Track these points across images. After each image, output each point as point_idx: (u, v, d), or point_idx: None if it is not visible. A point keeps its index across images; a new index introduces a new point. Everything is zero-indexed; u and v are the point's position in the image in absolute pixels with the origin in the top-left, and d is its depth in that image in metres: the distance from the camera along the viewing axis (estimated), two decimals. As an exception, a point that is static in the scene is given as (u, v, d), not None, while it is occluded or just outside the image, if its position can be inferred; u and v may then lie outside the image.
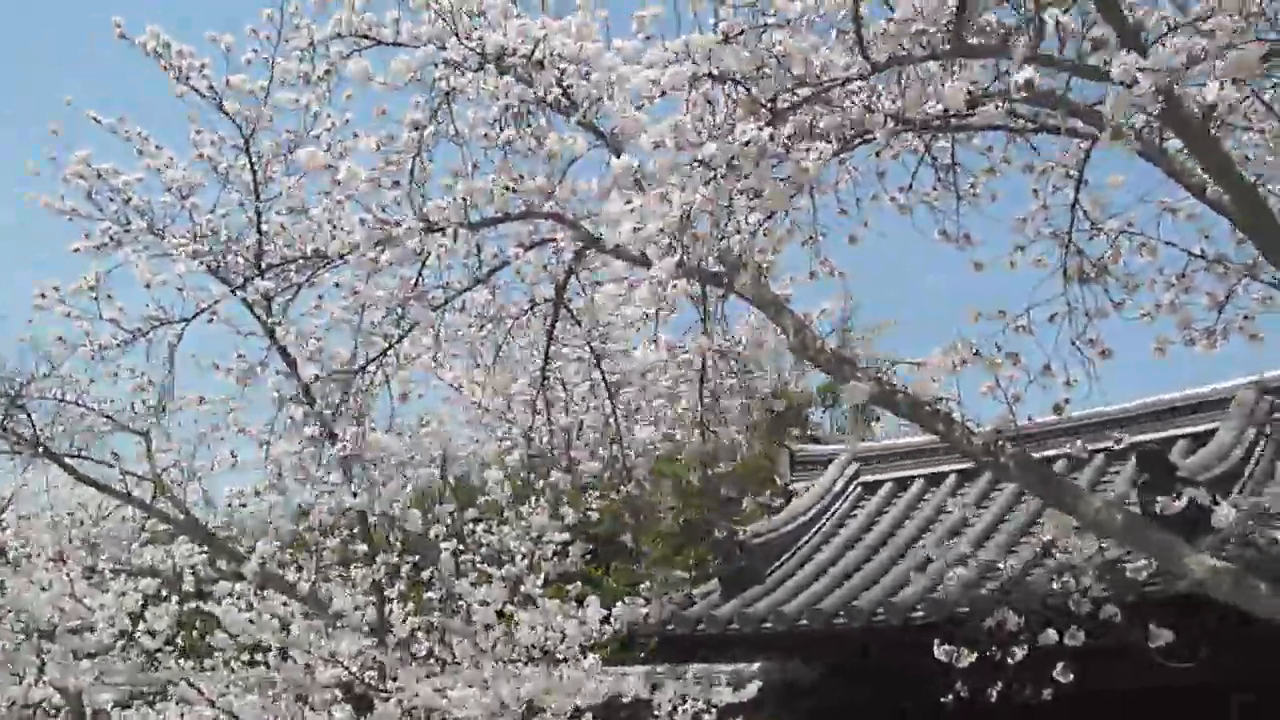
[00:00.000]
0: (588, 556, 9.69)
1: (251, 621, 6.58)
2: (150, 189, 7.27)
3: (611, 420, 7.30)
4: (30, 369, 7.98)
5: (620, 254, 5.83)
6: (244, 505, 8.98)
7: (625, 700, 7.55)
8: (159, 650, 7.11)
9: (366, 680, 6.63)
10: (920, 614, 9.07)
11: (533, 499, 8.90)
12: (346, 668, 6.42)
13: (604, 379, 7.09)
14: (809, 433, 15.20)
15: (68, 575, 6.77)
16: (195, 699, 7.50)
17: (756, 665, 9.45)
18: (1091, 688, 7.00)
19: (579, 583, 9.87)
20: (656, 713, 7.79)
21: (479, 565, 8.45)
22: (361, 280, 6.50)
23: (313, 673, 7.27)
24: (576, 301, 6.90)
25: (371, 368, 6.31)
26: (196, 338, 7.04)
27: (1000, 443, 4.73)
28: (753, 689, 8.40)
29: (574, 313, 6.90)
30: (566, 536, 9.03)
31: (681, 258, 4.63)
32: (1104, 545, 7.30)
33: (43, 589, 6.92)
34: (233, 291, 7.31)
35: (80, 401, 8.80)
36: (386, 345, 6.20)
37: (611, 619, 7.77)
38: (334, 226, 6.11)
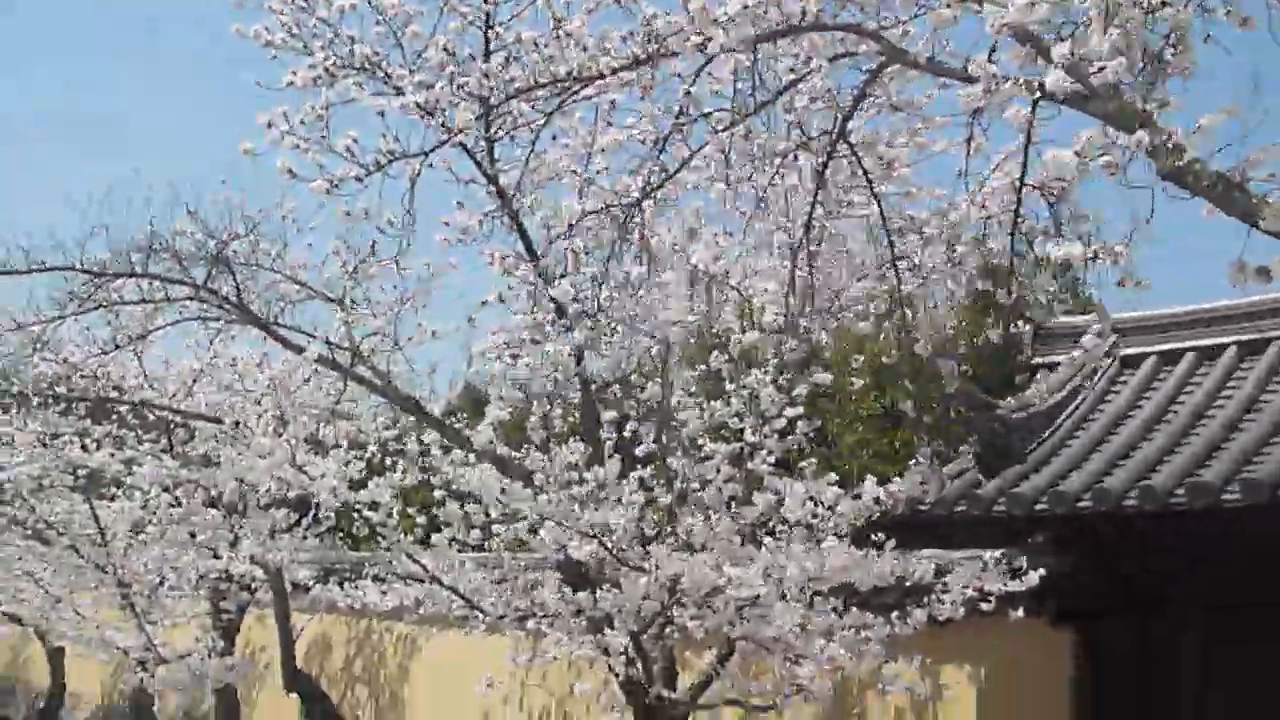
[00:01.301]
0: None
1: (504, 490, 5.73)
2: (363, 18, 6.28)
3: (890, 273, 6.18)
4: (230, 228, 7.25)
5: (934, 68, 4.74)
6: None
7: (908, 584, 6.57)
8: (381, 525, 6.36)
9: (620, 555, 5.76)
10: (1236, 496, 7.78)
11: (760, 369, 7.96)
12: (604, 543, 5.55)
13: (886, 227, 5.93)
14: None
15: (289, 442, 6.03)
16: (405, 573, 6.78)
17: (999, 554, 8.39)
18: None
19: (810, 461, 8.81)
20: (942, 598, 6.77)
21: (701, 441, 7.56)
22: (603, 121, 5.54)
23: (564, 549, 6.48)
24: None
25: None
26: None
27: None
28: (1034, 578, 7.30)
29: (855, 148, 5.73)
30: (799, 411, 8.02)
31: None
32: None
33: (260, 457, 6.22)
34: (455, 133, 6.35)
35: (274, 267, 8.13)
36: (662, 177, 5.15)
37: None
38: (584, 48, 5.05)
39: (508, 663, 11.32)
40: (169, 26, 53.59)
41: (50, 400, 9.94)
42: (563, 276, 7.08)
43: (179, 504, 11.34)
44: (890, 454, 13.46)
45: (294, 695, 11.77)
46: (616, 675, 7.58)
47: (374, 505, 6.26)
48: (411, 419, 7.81)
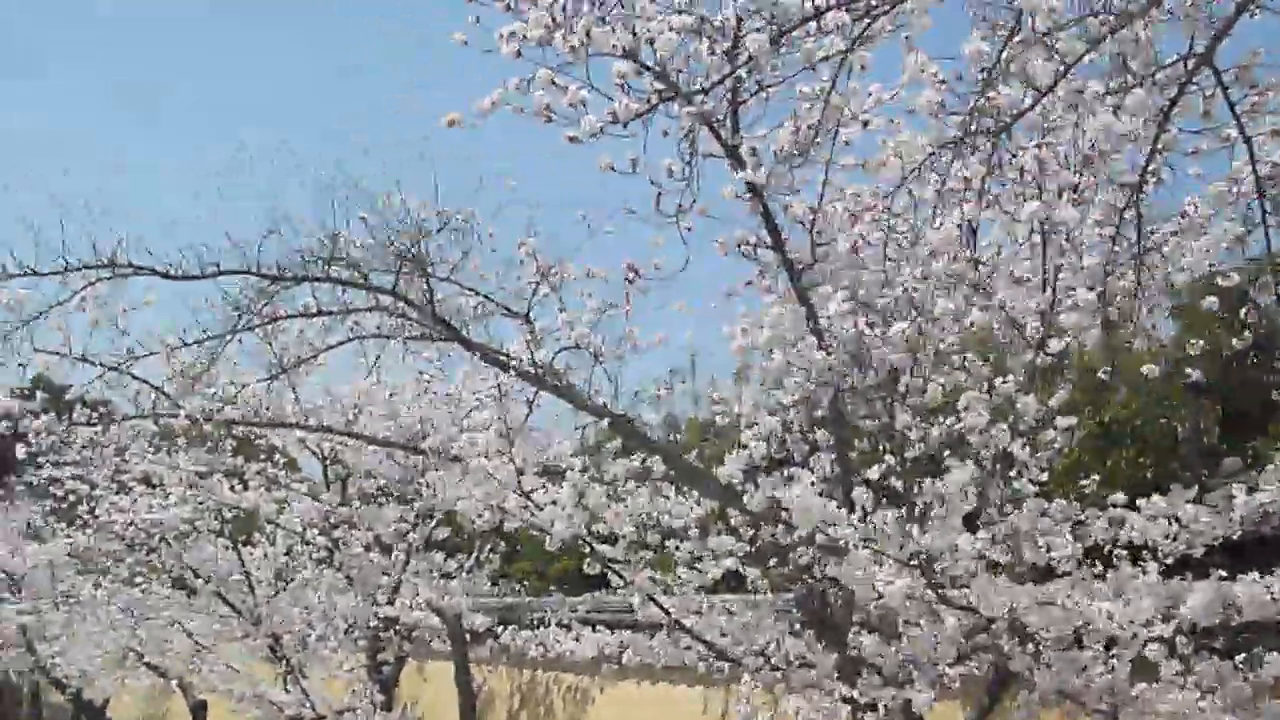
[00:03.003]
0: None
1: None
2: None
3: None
4: (419, 223, 6.30)
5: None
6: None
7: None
8: (615, 561, 5.29)
9: (942, 592, 4.60)
10: None
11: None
12: (928, 575, 4.38)
13: (1260, 186, 4.71)
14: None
15: (518, 467, 5.02)
16: (645, 618, 5.70)
17: None
18: None
19: (1089, 475, 7.54)
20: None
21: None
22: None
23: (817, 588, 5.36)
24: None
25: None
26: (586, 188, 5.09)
27: None
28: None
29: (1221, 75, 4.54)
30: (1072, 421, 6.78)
31: None
32: None
33: (476, 484, 5.24)
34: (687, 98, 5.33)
35: (451, 277, 7.19)
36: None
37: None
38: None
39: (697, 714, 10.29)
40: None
41: (212, 435, 9.19)
42: (812, 264, 6.03)
43: (336, 546, 10.49)
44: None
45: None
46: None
47: (611, 538, 5.20)
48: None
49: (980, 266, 5.59)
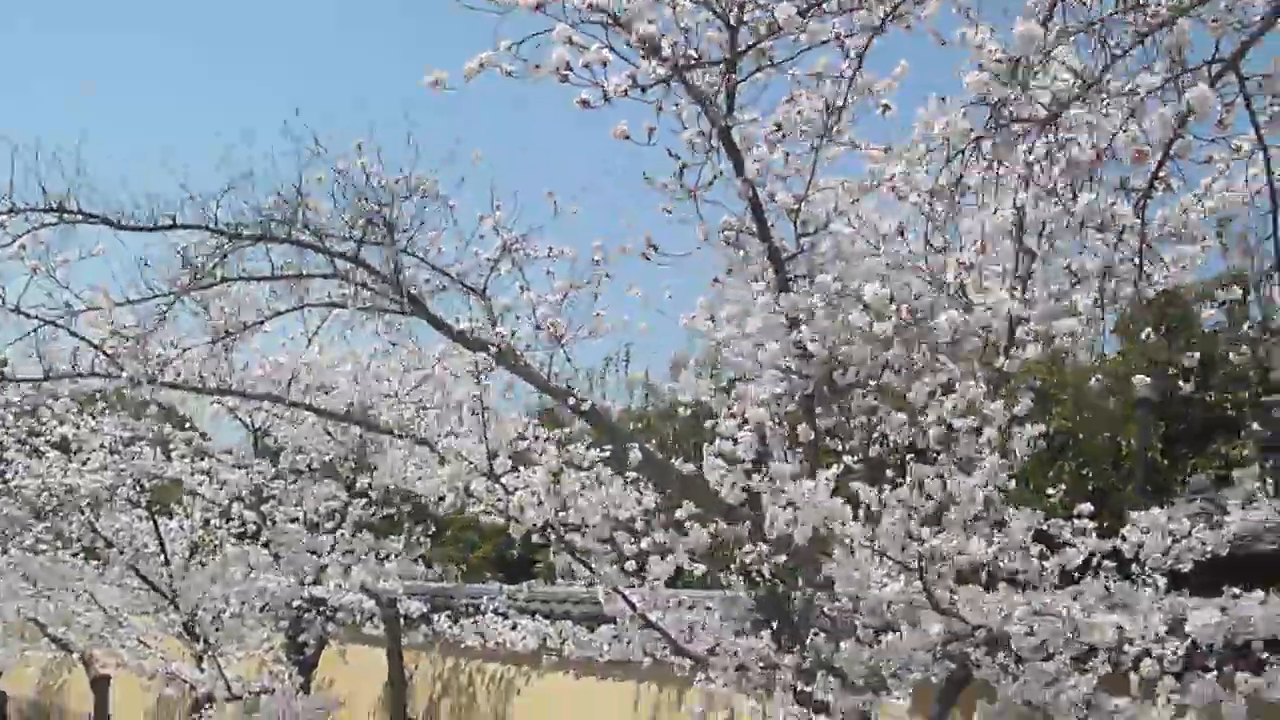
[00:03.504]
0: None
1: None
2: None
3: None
4: (386, 189, 6.00)
5: None
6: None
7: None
8: (587, 551, 5.06)
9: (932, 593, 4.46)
10: None
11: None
12: (926, 578, 4.22)
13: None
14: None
15: (490, 450, 4.77)
16: (612, 611, 5.48)
17: None
18: None
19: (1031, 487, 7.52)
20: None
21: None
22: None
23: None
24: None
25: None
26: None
27: None
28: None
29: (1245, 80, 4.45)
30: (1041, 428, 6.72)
31: None
32: None
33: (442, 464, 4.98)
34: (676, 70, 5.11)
35: (410, 250, 6.91)
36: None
37: None
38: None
39: (629, 711, 10.09)
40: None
41: (135, 401, 8.76)
42: (798, 253, 5.87)
43: (264, 521, 10.10)
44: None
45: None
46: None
47: (581, 527, 4.98)
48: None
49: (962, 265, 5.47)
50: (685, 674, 6.79)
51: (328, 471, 9.82)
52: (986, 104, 3.18)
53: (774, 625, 6.43)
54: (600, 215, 8.17)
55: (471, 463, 4.90)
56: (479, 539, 16.66)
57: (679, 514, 6.31)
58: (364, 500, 10.03)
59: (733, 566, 6.41)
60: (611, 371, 17.93)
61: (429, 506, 13.11)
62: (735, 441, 4.91)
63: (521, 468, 5.01)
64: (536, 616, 8.33)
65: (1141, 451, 9.95)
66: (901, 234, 4.74)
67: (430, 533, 11.13)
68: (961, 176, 3.41)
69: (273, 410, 9.08)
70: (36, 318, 5.83)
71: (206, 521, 13.65)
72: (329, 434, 8.98)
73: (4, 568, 13.71)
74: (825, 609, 6.29)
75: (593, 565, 5.03)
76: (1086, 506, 5.69)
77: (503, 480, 4.95)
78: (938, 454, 5.62)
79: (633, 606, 5.28)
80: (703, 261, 6.11)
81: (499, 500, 4.88)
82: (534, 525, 4.89)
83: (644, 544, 6.23)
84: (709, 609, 6.04)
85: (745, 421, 4.88)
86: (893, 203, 5.56)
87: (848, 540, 4.08)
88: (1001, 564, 4.49)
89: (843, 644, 5.10)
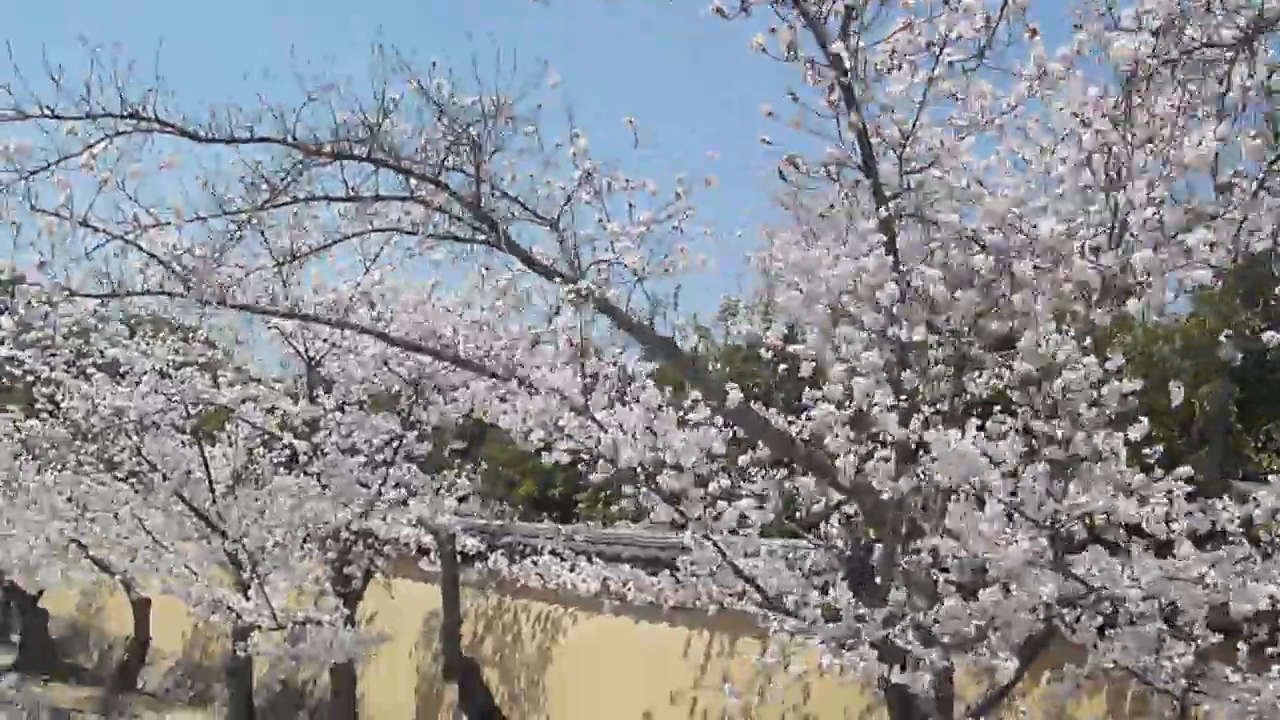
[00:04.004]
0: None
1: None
2: None
3: None
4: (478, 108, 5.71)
5: None
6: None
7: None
8: (682, 494, 4.83)
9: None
10: None
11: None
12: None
13: None
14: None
15: (586, 385, 4.53)
16: (700, 558, 5.26)
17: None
18: None
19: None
20: None
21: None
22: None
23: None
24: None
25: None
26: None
27: None
28: None
29: None
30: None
31: None
32: None
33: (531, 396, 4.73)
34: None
35: (484, 177, 6.61)
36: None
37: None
38: None
39: (685, 659, 9.95)
40: None
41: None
42: (904, 191, 5.56)
43: (316, 452, 9.92)
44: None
45: (451, 681, 10.36)
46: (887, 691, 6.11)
47: (677, 468, 4.73)
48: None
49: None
50: (748, 622, 6.61)
51: (382, 404, 9.63)
52: (1169, 27, 2.88)
53: (857, 577, 6.23)
54: (681, 148, 7.86)
55: (566, 397, 4.66)
56: (519, 477, 16.51)
57: (743, 460, 6.07)
58: (416, 434, 9.84)
59: (801, 516, 6.19)
60: (659, 316, 17.45)
61: (472, 443, 12.96)
62: (845, 387, 4.64)
63: (617, 404, 4.78)
64: (594, 559, 8.14)
65: (1220, 419, 9.62)
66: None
67: (480, 470, 10.96)
68: (1133, 107, 3.10)
69: (330, 340, 8.89)
70: (105, 232, 5.60)
71: (250, 450, 13.56)
72: (386, 365, 8.77)
73: (47, 487, 13.71)
74: (909, 563, 6.07)
75: (684, 509, 4.79)
76: (1185, 470, 5.41)
77: (597, 417, 4.71)
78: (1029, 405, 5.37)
79: (722, 553, 5.05)
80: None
81: (589, 438, 4.65)
82: (628, 466, 4.65)
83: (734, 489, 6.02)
84: (789, 559, 5.84)
85: (854, 370, 4.61)
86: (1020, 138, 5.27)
87: (974, 494, 3.83)
88: (1145, 525, 4.22)
89: (945, 601, 4.87)
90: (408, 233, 6.70)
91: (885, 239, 5.24)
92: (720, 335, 15.37)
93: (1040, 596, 4.51)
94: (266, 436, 11.36)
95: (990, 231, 5.06)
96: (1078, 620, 5.05)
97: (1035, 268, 4.42)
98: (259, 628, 10.65)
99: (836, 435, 4.71)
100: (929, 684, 5.58)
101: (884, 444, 5.90)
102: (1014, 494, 3.90)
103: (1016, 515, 4.07)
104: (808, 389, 5.91)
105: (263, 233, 7.00)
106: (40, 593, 18.23)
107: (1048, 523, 4.07)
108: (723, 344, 14.97)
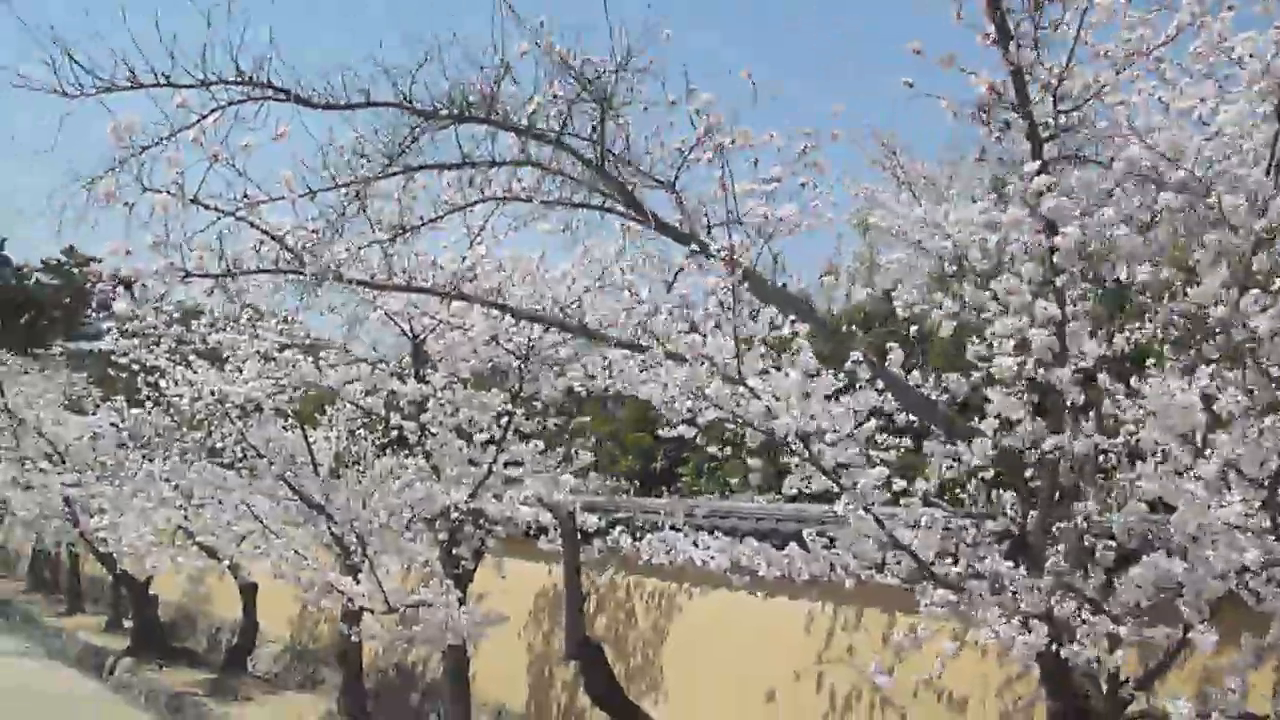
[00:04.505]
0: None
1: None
2: None
3: None
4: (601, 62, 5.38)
5: None
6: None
7: None
8: (844, 465, 4.49)
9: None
10: None
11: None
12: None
13: None
14: None
15: (738, 349, 4.19)
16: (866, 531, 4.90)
17: None
18: None
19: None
20: None
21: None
22: None
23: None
24: None
25: None
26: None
27: None
28: None
29: None
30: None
31: None
32: None
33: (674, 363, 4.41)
34: None
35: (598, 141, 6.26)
36: None
37: None
38: None
39: (802, 633, 9.60)
40: None
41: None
42: (1060, 131, 5.14)
43: (424, 432, 9.71)
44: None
45: (571, 662, 10.14)
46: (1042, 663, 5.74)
47: (827, 436, 4.37)
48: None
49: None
50: (874, 596, 6.20)
51: (492, 381, 9.39)
52: None
53: (1017, 546, 5.86)
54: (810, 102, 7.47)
55: (715, 364, 4.33)
56: (619, 451, 16.25)
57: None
58: (525, 411, 9.58)
59: (928, 482, 5.82)
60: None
61: (578, 418, 12.69)
62: (1021, 344, 4.26)
63: (771, 370, 4.43)
64: (716, 533, 7.80)
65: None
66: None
67: (590, 445, 10.68)
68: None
69: (438, 316, 8.64)
70: (216, 209, 5.37)
71: (351, 433, 13.46)
72: (494, 340, 8.49)
73: (153, 475, 13.79)
74: (1066, 530, 5.69)
75: (842, 481, 4.43)
76: None
77: (748, 383, 4.37)
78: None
79: (881, 525, 4.70)
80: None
81: (739, 406, 4.31)
82: (785, 435, 4.30)
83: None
84: (949, 530, 5.47)
85: (1033, 319, 4.21)
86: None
87: (1182, 455, 3.43)
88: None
89: (1133, 568, 4.47)
90: (523, 200, 6.42)
91: (1050, 181, 4.83)
92: (820, 301, 14.93)
93: (1242, 560, 4.10)
94: (368, 418, 11.21)
95: (1174, 167, 4.64)
96: (1265, 586, 4.65)
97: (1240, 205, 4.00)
98: (370, 611, 10.50)
99: (1010, 394, 4.32)
100: (1093, 658, 5.22)
101: (1038, 405, 5.52)
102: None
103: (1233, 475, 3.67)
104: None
105: (364, 207, 6.77)
106: (149, 579, 18.44)
107: (1265, 482, 3.66)
108: (825, 309, 14.54)
